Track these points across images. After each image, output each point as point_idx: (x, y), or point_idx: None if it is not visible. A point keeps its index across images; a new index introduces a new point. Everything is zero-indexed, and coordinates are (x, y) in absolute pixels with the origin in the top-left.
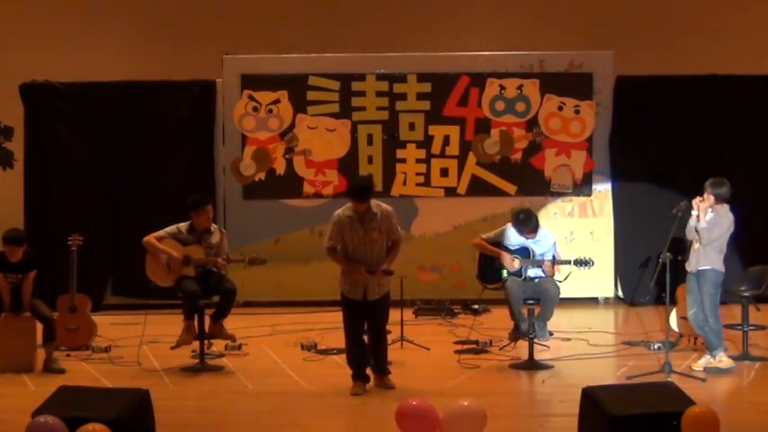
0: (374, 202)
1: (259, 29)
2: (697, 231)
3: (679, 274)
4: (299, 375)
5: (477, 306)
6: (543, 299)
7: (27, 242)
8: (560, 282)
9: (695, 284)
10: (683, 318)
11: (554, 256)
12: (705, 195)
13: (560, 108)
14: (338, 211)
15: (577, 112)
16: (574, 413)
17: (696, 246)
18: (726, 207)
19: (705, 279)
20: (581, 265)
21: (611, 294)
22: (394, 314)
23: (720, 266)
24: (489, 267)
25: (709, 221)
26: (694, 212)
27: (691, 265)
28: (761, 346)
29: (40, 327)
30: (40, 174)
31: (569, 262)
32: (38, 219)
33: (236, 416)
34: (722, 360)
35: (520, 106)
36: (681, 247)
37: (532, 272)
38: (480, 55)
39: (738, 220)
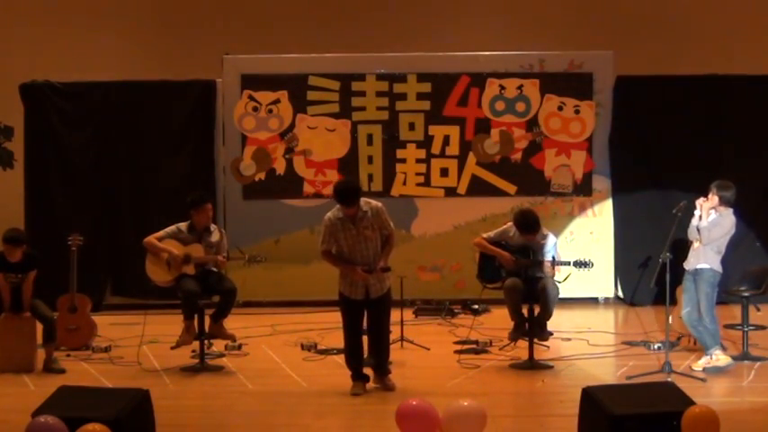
0: (363, 200)
1: (259, 29)
2: (698, 230)
3: (679, 274)
4: (299, 375)
5: (477, 306)
6: (543, 299)
7: (27, 242)
8: (559, 282)
9: (692, 283)
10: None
11: (554, 257)
12: (710, 196)
13: (560, 108)
14: (329, 214)
15: (577, 112)
16: (574, 413)
17: (696, 245)
18: (729, 210)
19: (702, 278)
20: (580, 267)
21: (611, 294)
22: (394, 314)
23: (718, 266)
24: (489, 267)
25: (711, 222)
26: (697, 212)
27: (689, 264)
28: (761, 346)
29: (40, 327)
30: (40, 174)
31: (569, 263)
32: (38, 219)
33: (236, 416)
34: (719, 358)
35: (520, 106)
36: (682, 248)
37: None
38: (480, 55)
39: (739, 220)
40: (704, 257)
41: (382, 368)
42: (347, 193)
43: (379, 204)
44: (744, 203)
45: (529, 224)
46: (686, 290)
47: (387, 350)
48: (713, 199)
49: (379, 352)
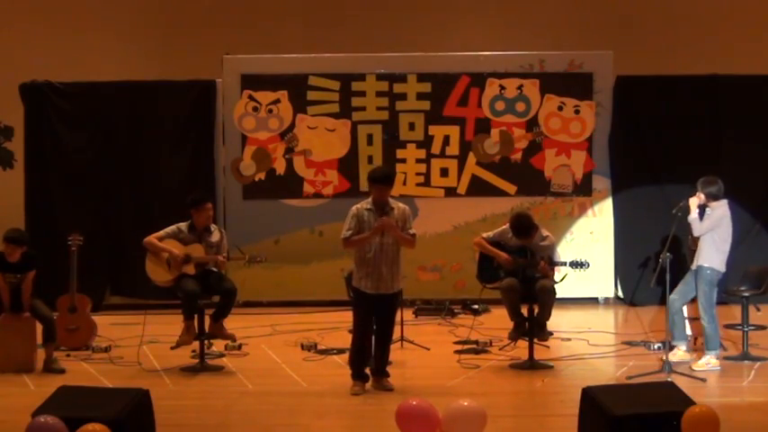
0: (392, 200)
1: (259, 29)
2: (690, 224)
3: (679, 274)
4: (299, 375)
5: (477, 306)
6: (541, 299)
7: (28, 244)
8: (556, 283)
9: (692, 278)
10: (693, 319)
11: (551, 258)
12: (697, 194)
13: (560, 108)
14: (356, 205)
15: (577, 112)
16: (574, 413)
17: (700, 244)
18: (721, 202)
19: (701, 276)
20: (576, 267)
21: (611, 294)
22: None
23: (719, 266)
24: (488, 267)
25: (704, 217)
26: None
27: (693, 263)
28: (761, 346)
29: (40, 327)
30: (40, 174)
31: (565, 263)
32: (38, 219)
33: (236, 416)
34: (710, 362)
35: (520, 106)
36: (682, 248)
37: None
38: (480, 55)
39: (740, 219)
40: (705, 256)
41: (381, 371)
42: (385, 173)
43: (408, 208)
44: (744, 203)
45: (523, 228)
46: (684, 282)
47: (388, 352)
48: (699, 196)
49: (381, 354)
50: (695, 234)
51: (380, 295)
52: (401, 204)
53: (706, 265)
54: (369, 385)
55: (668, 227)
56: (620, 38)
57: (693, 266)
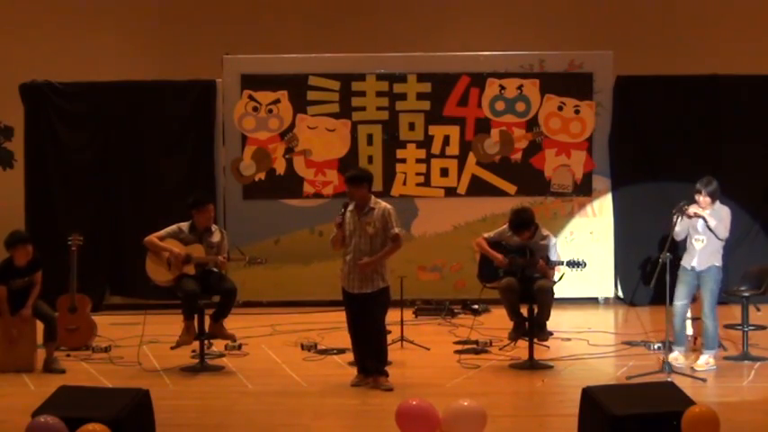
0: (374, 200)
1: (259, 29)
2: (711, 230)
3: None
4: (299, 375)
5: (477, 306)
6: (539, 300)
7: (32, 240)
8: (555, 282)
9: (694, 279)
10: (695, 318)
11: (548, 257)
12: (702, 198)
13: (560, 108)
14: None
15: (577, 112)
16: (574, 413)
17: (699, 245)
18: (717, 202)
19: (713, 276)
20: (573, 267)
21: (611, 294)
22: (394, 314)
23: (721, 263)
24: (488, 266)
25: (717, 218)
26: (693, 213)
27: (694, 262)
28: (761, 346)
29: (40, 327)
30: (40, 174)
31: (562, 263)
32: (38, 219)
33: (236, 416)
34: (709, 361)
35: (520, 106)
36: (682, 247)
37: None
38: (480, 55)
39: (739, 220)
40: (714, 256)
41: (376, 369)
42: (354, 175)
43: (389, 207)
44: (744, 203)
45: (520, 222)
46: (685, 283)
47: (378, 352)
48: (706, 199)
49: (370, 353)
50: (721, 237)
51: (355, 294)
52: (383, 203)
53: (718, 264)
54: (369, 386)
55: (668, 227)
56: (620, 38)
57: (699, 267)
